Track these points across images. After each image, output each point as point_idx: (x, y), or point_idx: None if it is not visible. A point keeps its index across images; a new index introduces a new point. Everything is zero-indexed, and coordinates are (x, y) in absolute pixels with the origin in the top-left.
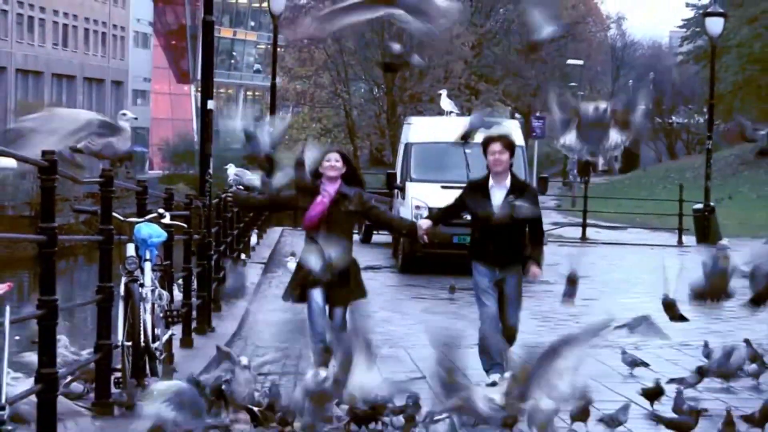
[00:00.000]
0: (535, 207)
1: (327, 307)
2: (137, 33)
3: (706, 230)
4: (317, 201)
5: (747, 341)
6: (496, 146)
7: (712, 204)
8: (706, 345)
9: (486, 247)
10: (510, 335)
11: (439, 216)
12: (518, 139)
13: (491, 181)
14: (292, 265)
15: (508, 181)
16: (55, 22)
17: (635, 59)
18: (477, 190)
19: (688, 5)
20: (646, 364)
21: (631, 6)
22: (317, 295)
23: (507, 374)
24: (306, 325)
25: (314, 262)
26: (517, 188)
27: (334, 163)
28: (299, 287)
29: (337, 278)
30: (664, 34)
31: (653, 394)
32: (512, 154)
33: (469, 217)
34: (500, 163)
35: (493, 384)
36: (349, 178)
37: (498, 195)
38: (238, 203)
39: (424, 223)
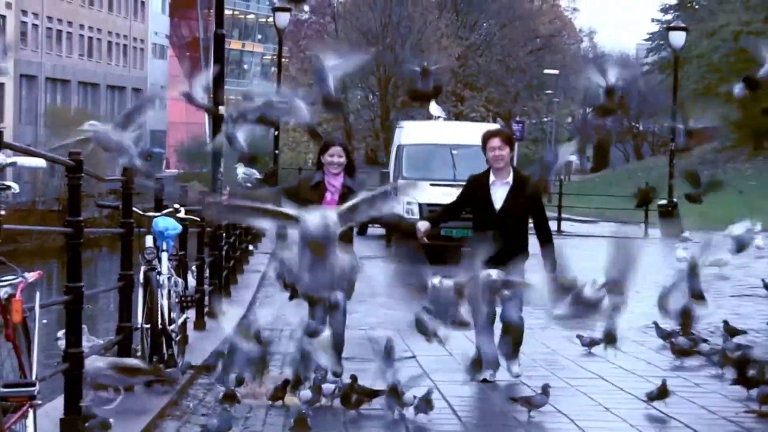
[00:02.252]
0: (538, 203)
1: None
2: (155, 45)
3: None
4: (327, 199)
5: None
6: (495, 141)
7: (675, 200)
8: (656, 326)
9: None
10: (517, 335)
11: (437, 217)
12: None
13: (492, 177)
14: None
15: (510, 177)
16: (81, 35)
17: (605, 69)
18: (477, 187)
19: (653, 20)
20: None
21: (602, 21)
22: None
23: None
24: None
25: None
26: (520, 184)
27: (337, 159)
28: None
29: None
30: (632, 46)
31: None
32: (512, 149)
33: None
34: (501, 159)
35: (484, 381)
36: (349, 168)
37: (499, 192)
38: None
39: (423, 225)
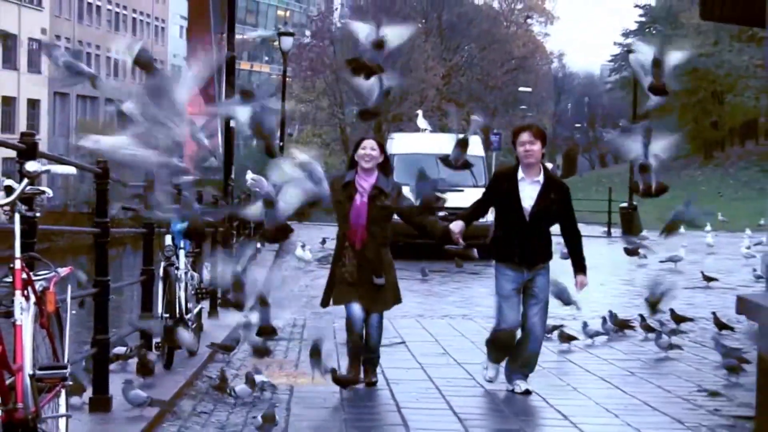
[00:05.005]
0: (569, 205)
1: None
2: (174, 66)
3: (630, 224)
4: (356, 202)
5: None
6: (525, 136)
7: (635, 203)
8: (611, 314)
9: (513, 246)
10: (533, 353)
11: (467, 216)
12: (479, 151)
13: (521, 174)
14: (299, 252)
15: (541, 176)
16: (108, 57)
17: (573, 87)
18: (504, 182)
19: (615, 44)
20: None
21: (570, 44)
22: (356, 307)
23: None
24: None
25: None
26: (551, 184)
27: (369, 151)
28: (339, 297)
29: (376, 280)
30: (596, 66)
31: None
32: (544, 144)
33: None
34: (532, 155)
35: (490, 381)
36: (384, 167)
37: (528, 190)
38: None
39: (457, 227)
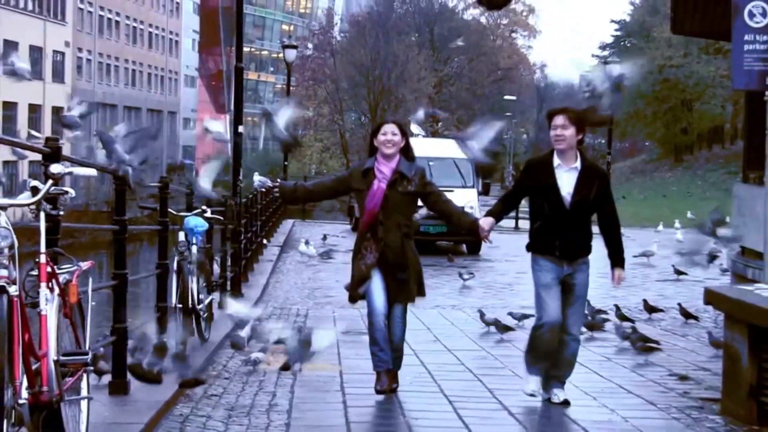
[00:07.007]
0: (608, 192)
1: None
2: (186, 76)
3: None
4: (374, 187)
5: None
6: (558, 119)
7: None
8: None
9: (552, 238)
10: (574, 353)
11: (498, 210)
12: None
13: (557, 161)
14: (303, 247)
15: (578, 162)
16: (126, 68)
17: (554, 95)
18: (539, 171)
19: (593, 56)
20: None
21: (551, 56)
22: (378, 299)
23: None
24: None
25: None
26: (589, 170)
27: (391, 137)
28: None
29: (399, 274)
30: (576, 77)
31: None
32: (580, 130)
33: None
34: (562, 140)
35: (532, 395)
36: (406, 151)
37: (566, 177)
38: (284, 196)
39: (487, 223)
